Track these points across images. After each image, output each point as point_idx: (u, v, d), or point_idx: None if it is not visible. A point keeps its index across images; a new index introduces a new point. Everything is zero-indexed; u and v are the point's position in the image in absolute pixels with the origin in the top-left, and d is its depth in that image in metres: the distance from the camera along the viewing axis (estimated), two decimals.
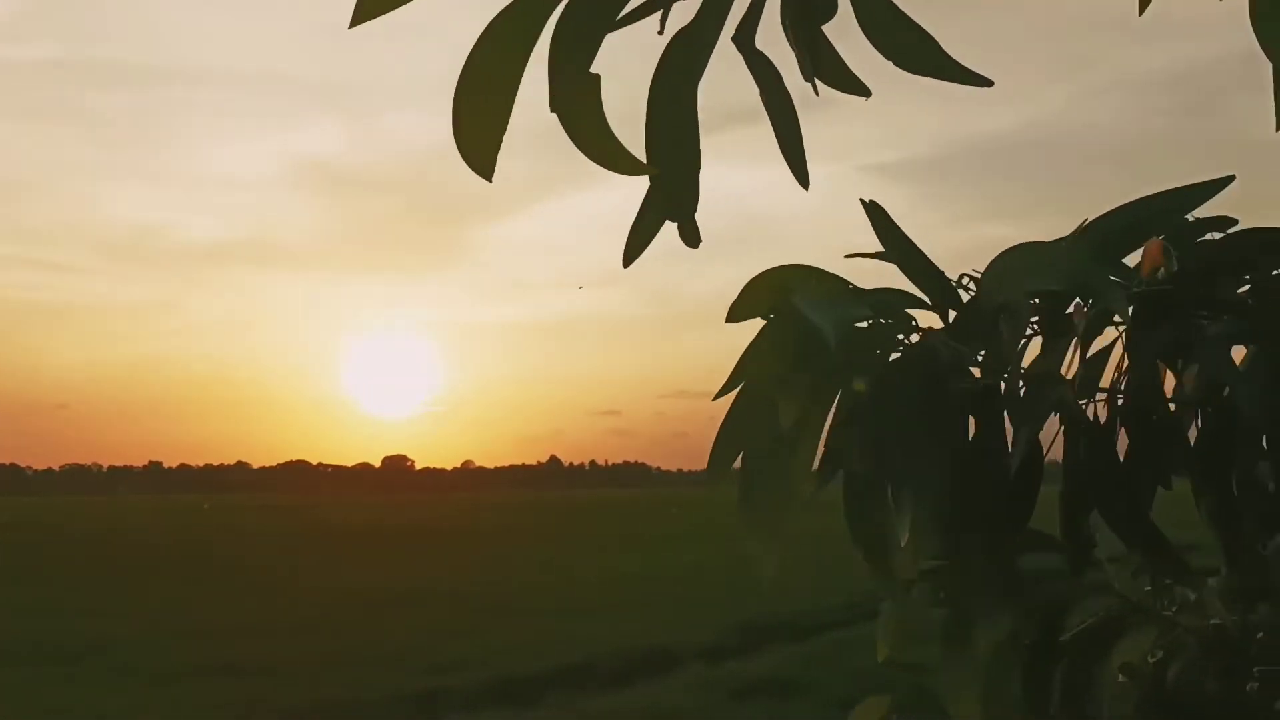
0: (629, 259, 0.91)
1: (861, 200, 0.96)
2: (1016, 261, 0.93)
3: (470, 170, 0.85)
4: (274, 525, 42.71)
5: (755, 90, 0.92)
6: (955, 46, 0.88)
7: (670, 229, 0.92)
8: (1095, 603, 1.12)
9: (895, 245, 0.98)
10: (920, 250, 0.97)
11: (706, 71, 0.89)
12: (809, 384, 0.90)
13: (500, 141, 0.85)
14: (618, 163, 0.85)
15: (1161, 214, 0.96)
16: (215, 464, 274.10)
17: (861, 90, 0.93)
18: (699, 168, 0.90)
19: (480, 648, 11.40)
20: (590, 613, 13.89)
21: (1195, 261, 0.95)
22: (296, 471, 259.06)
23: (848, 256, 1.01)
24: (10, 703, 9.12)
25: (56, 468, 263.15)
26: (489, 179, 0.85)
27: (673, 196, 0.91)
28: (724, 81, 0.92)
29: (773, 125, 0.93)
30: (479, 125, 0.85)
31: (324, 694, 9.37)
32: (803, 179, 0.93)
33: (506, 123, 0.85)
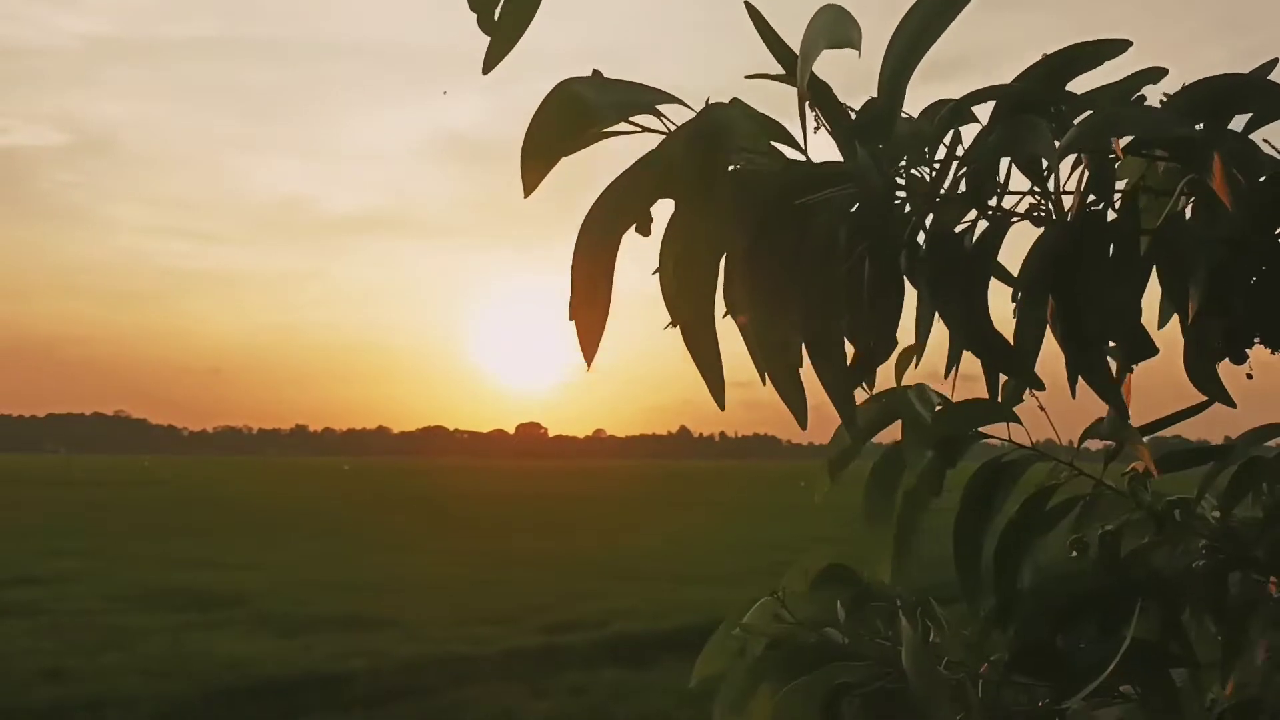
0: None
1: (746, 3, 0.86)
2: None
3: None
4: (408, 487, 43.98)
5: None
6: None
7: None
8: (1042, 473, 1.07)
9: (789, 63, 0.87)
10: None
11: None
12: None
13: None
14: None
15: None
16: (357, 428, 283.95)
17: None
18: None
19: (600, 609, 11.49)
20: (711, 579, 13.87)
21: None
22: (434, 436, 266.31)
23: (748, 77, 0.89)
24: (151, 645, 9.58)
25: (210, 429, 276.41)
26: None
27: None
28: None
29: None
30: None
31: (445, 649, 9.58)
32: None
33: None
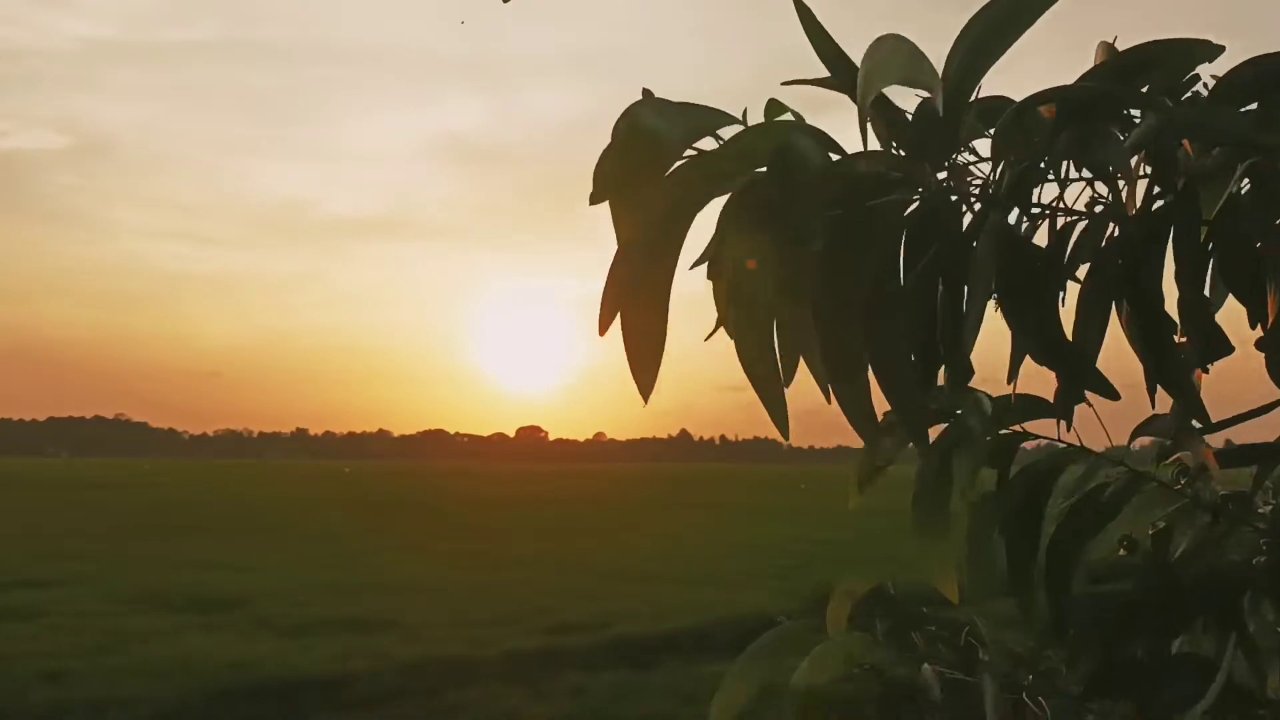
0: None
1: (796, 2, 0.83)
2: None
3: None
4: (408, 489, 43.96)
5: None
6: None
7: None
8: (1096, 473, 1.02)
9: (835, 65, 0.85)
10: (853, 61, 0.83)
11: None
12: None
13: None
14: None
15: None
16: (358, 431, 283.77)
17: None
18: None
19: (601, 611, 11.49)
20: (711, 582, 13.87)
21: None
22: (434, 440, 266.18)
23: (785, 84, 0.86)
24: (152, 647, 9.57)
25: (211, 433, 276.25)
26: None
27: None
28: None
29: None
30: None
31: (445, 650, 9.58)
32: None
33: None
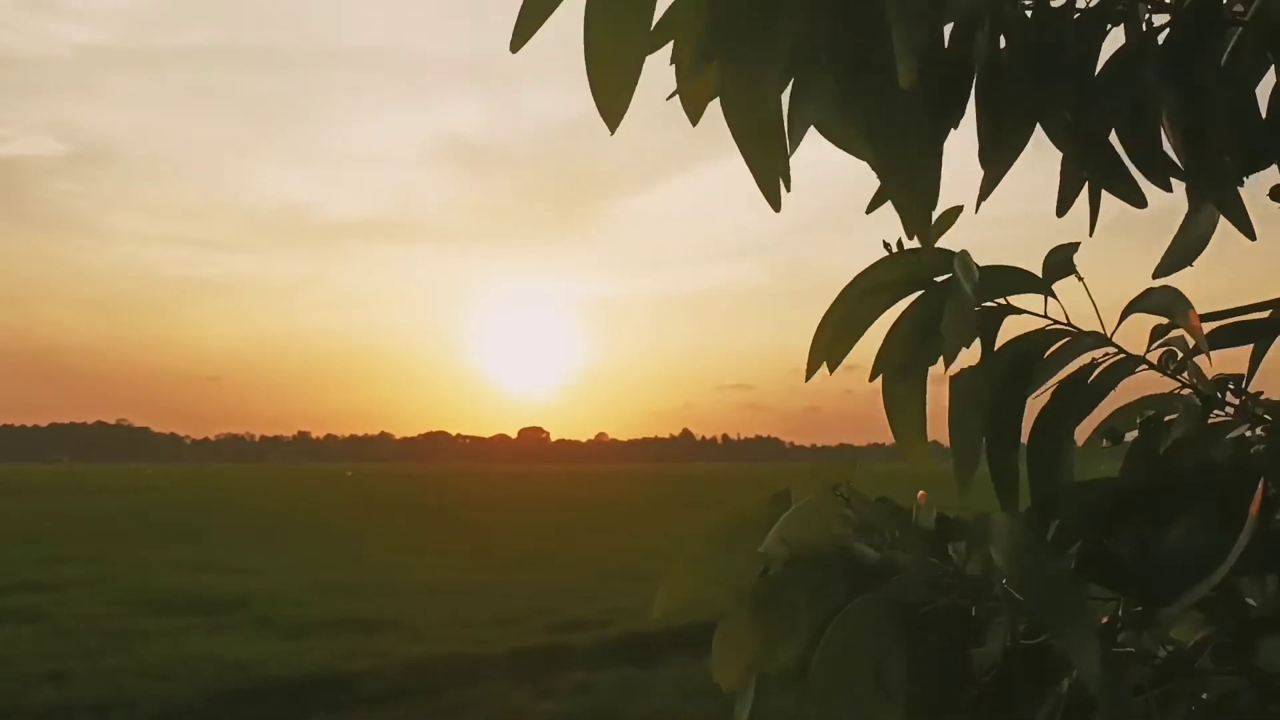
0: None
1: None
2: None
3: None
4: (411, 491, 43.95)
5: None
6: None
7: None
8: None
9: None
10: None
11: None
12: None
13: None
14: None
15: None
16: (360, 434, 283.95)
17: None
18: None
19: (604, 609, 11.46)
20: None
21: None
22: (436, 442, 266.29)
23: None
24: (155, 648, 9.55)
25: (212, 437, 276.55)
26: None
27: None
28: None
29: None
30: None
31: (448, 649, 9.55)
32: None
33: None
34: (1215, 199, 0.81)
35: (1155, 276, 0.94)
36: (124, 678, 8.38)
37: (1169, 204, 0.91)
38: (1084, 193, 0.95)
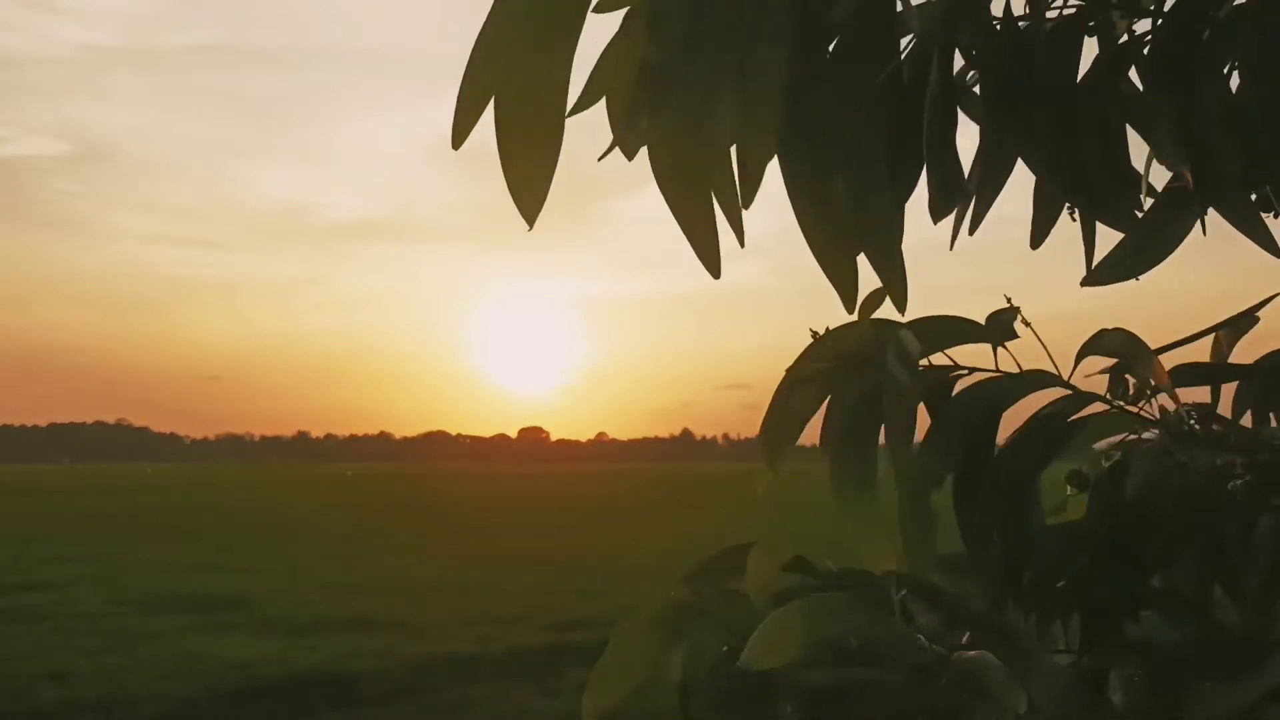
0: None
1: None
2: None
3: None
4: (411, 491, 43.95)
5: None
6: None
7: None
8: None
9: None
10: None
11: None
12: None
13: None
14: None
15: None
16: (359, 434, 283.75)
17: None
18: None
19: (604, 608, 11.46)
20: None
21: None
22: (436, 442, 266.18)
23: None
24: (156, 647, 9.56)
25: (212, 437, 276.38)
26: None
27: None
28: None
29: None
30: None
31: (449, 648, 9.56)
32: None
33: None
34: (1232, 218, 0.77)
35: (1084, 285, 0.89)
36: (126, 677, 8.40)
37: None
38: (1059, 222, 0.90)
